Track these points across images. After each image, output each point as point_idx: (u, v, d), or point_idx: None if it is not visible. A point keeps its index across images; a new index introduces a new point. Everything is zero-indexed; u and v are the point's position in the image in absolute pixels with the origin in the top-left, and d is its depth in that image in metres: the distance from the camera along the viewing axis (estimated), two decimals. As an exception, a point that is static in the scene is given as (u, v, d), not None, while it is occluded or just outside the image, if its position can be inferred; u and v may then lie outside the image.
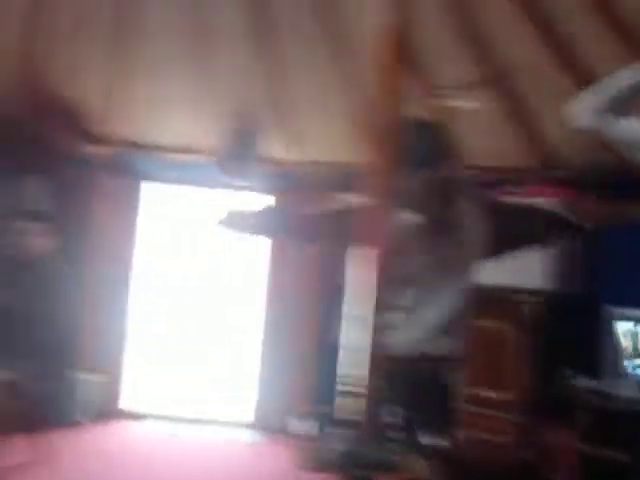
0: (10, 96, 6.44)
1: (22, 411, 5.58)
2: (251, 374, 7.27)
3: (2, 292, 5.38)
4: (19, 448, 5.50)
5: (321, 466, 2.76)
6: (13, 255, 5.52)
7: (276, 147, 6.94)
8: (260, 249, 7.35)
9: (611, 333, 5.44)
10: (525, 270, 5.69)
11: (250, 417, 7.16)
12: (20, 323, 5.30)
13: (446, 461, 5.76)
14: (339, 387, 2.90)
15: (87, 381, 6.75)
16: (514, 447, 5.63)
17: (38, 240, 5.49)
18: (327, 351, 6.38)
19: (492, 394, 5.78)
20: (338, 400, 2.90)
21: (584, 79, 5.32)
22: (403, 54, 3.16)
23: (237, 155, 6.73)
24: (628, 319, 5.47)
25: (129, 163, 7.13)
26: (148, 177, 7.22)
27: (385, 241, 3.05)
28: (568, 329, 5.60)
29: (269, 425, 6.79)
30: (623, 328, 5.45)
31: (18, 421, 5.59)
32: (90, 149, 6.99)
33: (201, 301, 7.60)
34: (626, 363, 5.43)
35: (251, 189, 7.20)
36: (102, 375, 6.92)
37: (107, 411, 6.95)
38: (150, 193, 7.40)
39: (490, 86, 5.78)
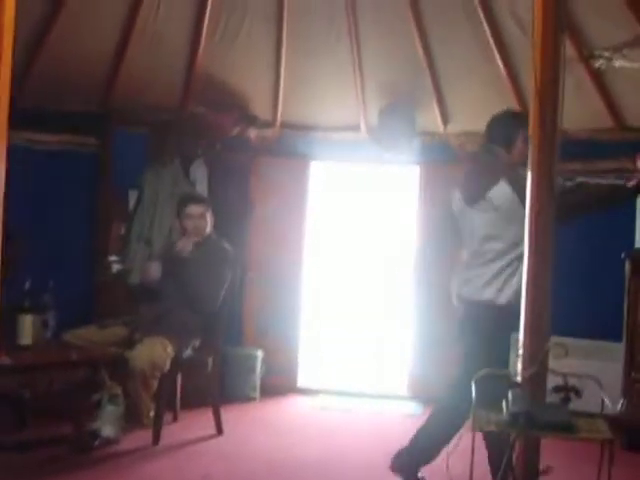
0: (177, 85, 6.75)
1: (202, 386, 5.78)
2: (406, 346, 7.34)
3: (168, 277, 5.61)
4: (198, 421, 5.82)
5: (497, 427, 2.77)
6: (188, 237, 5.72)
7: (430, 120, 6.96)
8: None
9: None
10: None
11: (405, 389, 7.24)
12: (189, 303, 5.49)
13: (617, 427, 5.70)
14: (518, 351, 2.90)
15: (259, 358, 6.93)
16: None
17: (199, 222, 5.66)
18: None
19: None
20: (516, 363, 2.91)
21: None
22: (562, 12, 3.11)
23: (394, 130, 6.79)
24: None
25: (296, 144, 7.24)
26: (314, 157, 7.32)
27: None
28: None
29: (427, 396, 6.81)
30: None
31: (200, 396, 5.85)
32: (257, 133, 7.17)
33: (364, 276, 7.74)
34: None
35: (406, 162, 7.21)
36: (277, 352, 7.09)
37: (283, 387, 7.13)
38: (318, 172, 7.48)
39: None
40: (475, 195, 4.15)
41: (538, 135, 2.99)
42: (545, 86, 3.03)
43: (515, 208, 3.86)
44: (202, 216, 5.69)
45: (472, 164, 4.47)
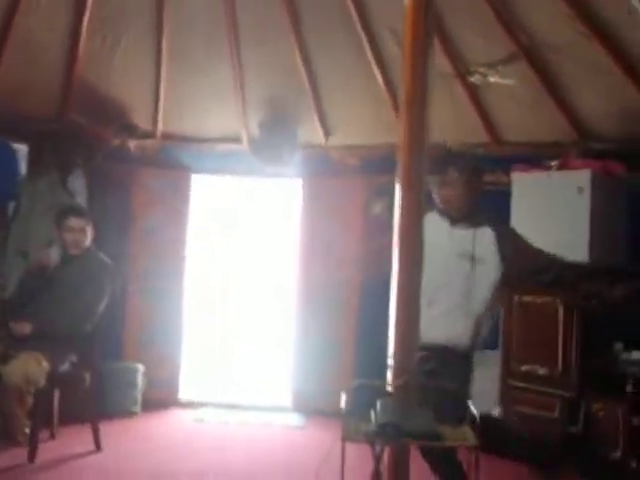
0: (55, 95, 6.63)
1: (80, 401, 5.68)
2: (289, 358, 7.37)
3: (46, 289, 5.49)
4: (76, 438, 5.71)
5: (365, 438, 2.79)
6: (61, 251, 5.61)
7: (311, 133, 7.02)
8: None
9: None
10: (571, 243, 5.69)
11: (287, 400, 7.25)
12: (63, 318, 5.38)
13: (494, 433, 5.83)
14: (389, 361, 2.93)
15: (139, 372, 6.84)
16: (562, 422, 5.62)
17: (79, 236, 5.56)
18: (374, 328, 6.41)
19: (540, 369, 5.78)
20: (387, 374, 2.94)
21: (617, 53, 5.39)
22: (431, 29, 3.16)
23: (275, 143, 6.83)
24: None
25: (177, 156, 7.19)
26: (195, 169, 7.28)
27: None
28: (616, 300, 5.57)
29: (309, 407, 6.85)
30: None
31: (76, 411, 5.74)
32: (138, 144, 7.11)
33: (246, 288, 7.75)
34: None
35: (289, 175, 7.26)
36: (159, 365, 7.02)
37: (165, 401, 7.06)
38: (199, 185, 7.44)
39: (523, 61, 5.78)
40: None
41: (407, 149, 3.03)
42: (414, 101, 3.08)
43: None
44: (83, 229, 5.58)
45: None
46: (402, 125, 3.10)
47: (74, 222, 5.58)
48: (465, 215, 4.04)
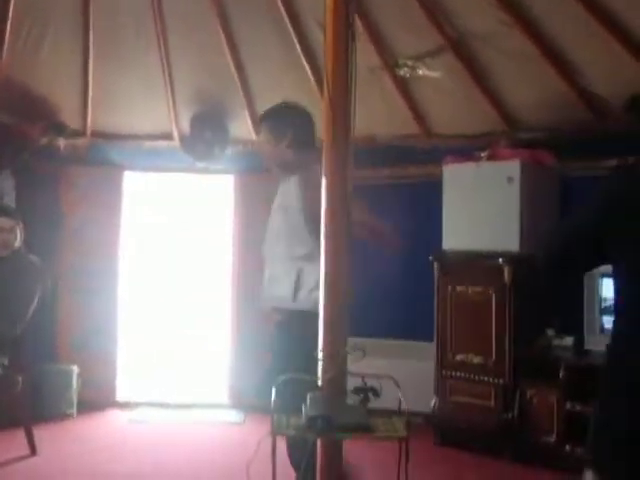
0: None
1: (13, 405, 5.60)
2: (224, 355, 7.36)
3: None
4: (10, 442, 5.62)
5: (295, 432, 2.79)
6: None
7: (242, 128, 6.99)
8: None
9: (594, 289, 5.44)
10: (502, 233, 5.76)
11: (225, 397, 7.25)
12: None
13: (430, 424, 5.87)
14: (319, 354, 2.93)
15: (74, 373, 6.75)
16: (497, 409, 5.68)
17: (7, 236, 5.46)
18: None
19: (474, 358, 5.84)
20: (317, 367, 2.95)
21: (542, 42, 5.46)
22: (352, 21, 3.16)
23: (206, 138, 6.79)
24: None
25: (107, 154, 7.12)
26: (127, 167, 7.21)
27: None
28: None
29: (247, 403, 6.83)
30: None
31: (9, 415, 5.66)
32: (66, 142, 6.97)
33: (178, 285, 7.71)
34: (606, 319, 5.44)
35: (220, 171, 7.24)
36: (94, 366, 6.91)
37: (101, 402, 6.98)
38: (131, 182, 7.36)
39: (450, 53, 5.82)
40: None
41: (330, 143, 3.03)
42: (337, 94, 3.07)
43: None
44: (11, 230, 5.48)
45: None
46: (326, 120, 3.09)
47: (3, 222, 5.48)
48: (285, 169, 4.08)
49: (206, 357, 7.62)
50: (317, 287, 3.18)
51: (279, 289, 3.97)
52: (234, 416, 6.86)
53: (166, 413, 6.94)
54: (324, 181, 3.06)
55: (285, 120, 4.10)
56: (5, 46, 6.16)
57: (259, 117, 4.75)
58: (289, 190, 3.99)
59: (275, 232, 4.06)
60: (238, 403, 7.02)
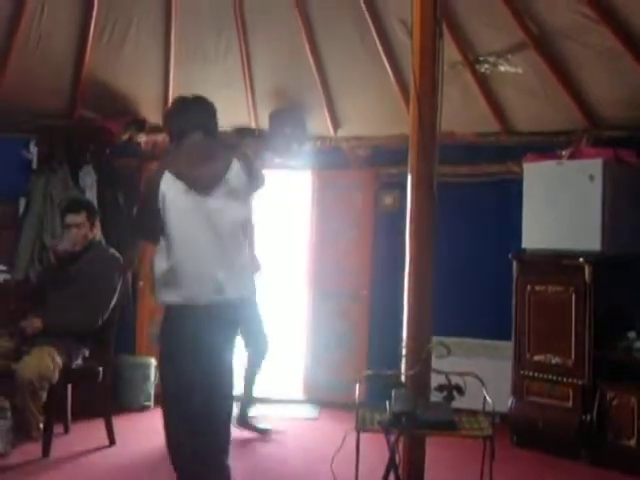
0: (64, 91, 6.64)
1: (93, 396, 5.71)
2: (301, 349, 7.38)
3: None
4: (90, 432, 5.73)
5: (381, 427, 2.79)
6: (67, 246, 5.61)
7: (321, 125, 7.02)
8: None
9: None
10: (583, 232, 5.68)
11: (301, 392, 7.26)
12: (75, 313, 5.39)
13: (506, 423, 5.82)
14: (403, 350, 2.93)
15: (152, 366, 6.82)
16: (576, 410, 5.61)
17: (77, 231, 5.57)
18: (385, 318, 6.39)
19: (553, 358, 5.77)
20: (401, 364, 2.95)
21: (627, 38, 5.36)
22: (441, 19, 3.15)
23: (285, 135, 6.82)
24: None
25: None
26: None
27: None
28: (631, 291, 5.58)
29: (322, 398, 6.85)
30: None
31: (92, 406, 5.77)
32: (147, 138, 7.09)
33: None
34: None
35: (298, 167, 7.26)
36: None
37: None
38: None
39: (532, 50, 5.75)
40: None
41: (417, 139, 3.02)
42: (424, 91, 3.07)
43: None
44: (80, 225, 5.56)
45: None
46: (413, 116, 3.09)
47: (71, 217, 5.57)
48: None
49: (282, 352, 7.64)
50: None
51: None
52: (309, 411, 6.88)
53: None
54: (409, 178, 3.06)
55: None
56: (89, 43, 6.28)
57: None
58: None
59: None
60: (313, 398, 7.04)
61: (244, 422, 6.06)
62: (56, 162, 6.72)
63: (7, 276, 6.69)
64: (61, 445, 5.39)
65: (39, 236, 6.62)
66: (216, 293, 3.48)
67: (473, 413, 3.02)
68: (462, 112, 6.33)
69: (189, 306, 3.46)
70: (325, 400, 6.83)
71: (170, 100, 6.61)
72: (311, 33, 6.29)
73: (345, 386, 6.05)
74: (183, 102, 4.02)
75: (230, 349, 3.66)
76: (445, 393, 2.96)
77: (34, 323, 5.32)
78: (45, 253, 6.40)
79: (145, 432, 6.08)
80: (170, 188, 3.52)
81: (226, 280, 3.50)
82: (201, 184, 3.53)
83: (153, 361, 6.84)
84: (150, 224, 3.60)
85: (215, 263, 3.53)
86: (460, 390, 2.95)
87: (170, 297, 3.52)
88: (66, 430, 5.79)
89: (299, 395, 7.24)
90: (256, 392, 6.21)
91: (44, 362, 5.10)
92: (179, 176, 3.53)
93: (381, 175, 7.02)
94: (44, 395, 5.14)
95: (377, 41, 6.17)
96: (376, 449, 3.10)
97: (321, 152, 7.17)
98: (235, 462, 5.26)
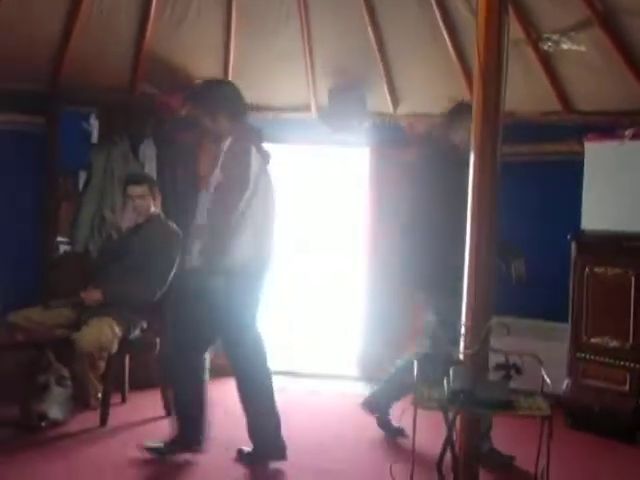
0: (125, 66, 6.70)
1: (149, 366, 5.81)
2: (356, 326, 7.39)
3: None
4: (146, 402, 5.83)
5: (437, 405, 2.80)
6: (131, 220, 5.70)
7: (380, 101, 6.99)
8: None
9: None
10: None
11: (355, 369, 7.28)
12: (134, 285, 5.46)
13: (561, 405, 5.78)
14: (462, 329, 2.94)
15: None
16: (632, 394, 5.55)
17: (139, 202, 5.65)
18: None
19: (610, 342, 5.71)
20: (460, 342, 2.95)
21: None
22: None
23: (344, 111, 6.81)
24: None
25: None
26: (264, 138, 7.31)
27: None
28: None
29: (376, 375, 6.85)
30: None
31: (149, 377, 5.86)
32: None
33: (313, 255, 7.78)
34: None
35: (357, 144, 7.23)
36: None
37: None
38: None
39: (596, 28, 5.66)
40: None
41: (481, 117, 3.00)
42: (488, 69, 3.04)
43: None
44: (142, 196, 5.65)
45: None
46: (477, 94, 3.07)
47: (133, 189, 5.67)
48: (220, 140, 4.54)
49: (336, 328, 7.67)
50: None
51: None
52: (362, 388, 6.88)
53: (294, 383, 7.00)
54: (472, 157, 3.04)
55: (217, 94, 4.52)
56: (151, 17, 6.32)
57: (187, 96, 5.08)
58: None
59: None
60: (367, 375, 7.05)
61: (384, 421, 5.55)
62: (117, 136, 6.79)
63: (68, 248, 6.79)
64: (118, 414, 5.49)
65: (99, 209, 6.69)
66: None
67: (530, 393, 3.01)
68: (524, 90, 6.26)
69: None
70: (380, 377, 6.84)
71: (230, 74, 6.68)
72: (372, 8, 6.26)
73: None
74: (229, 84, 4.39)
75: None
76: (503, 372, 2.96)
77: (94, 294, 5.41)
78: (104, 226, 6.51)
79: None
80: (255, 164, 3.88)
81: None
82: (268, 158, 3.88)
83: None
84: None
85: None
86: (518, 370, 2.94)
87: None
88: (123, 400, 5.89)
89: (353, 372, 7.25)
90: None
91: (103, 333, 5.19)
92: (259, 151, 3.84)
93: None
94: (102, 365, 5.24)
95: (438, 17, 6.12)
96: (432, 427, 3.10)
97: (380, 129, 7.14)
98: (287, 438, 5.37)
